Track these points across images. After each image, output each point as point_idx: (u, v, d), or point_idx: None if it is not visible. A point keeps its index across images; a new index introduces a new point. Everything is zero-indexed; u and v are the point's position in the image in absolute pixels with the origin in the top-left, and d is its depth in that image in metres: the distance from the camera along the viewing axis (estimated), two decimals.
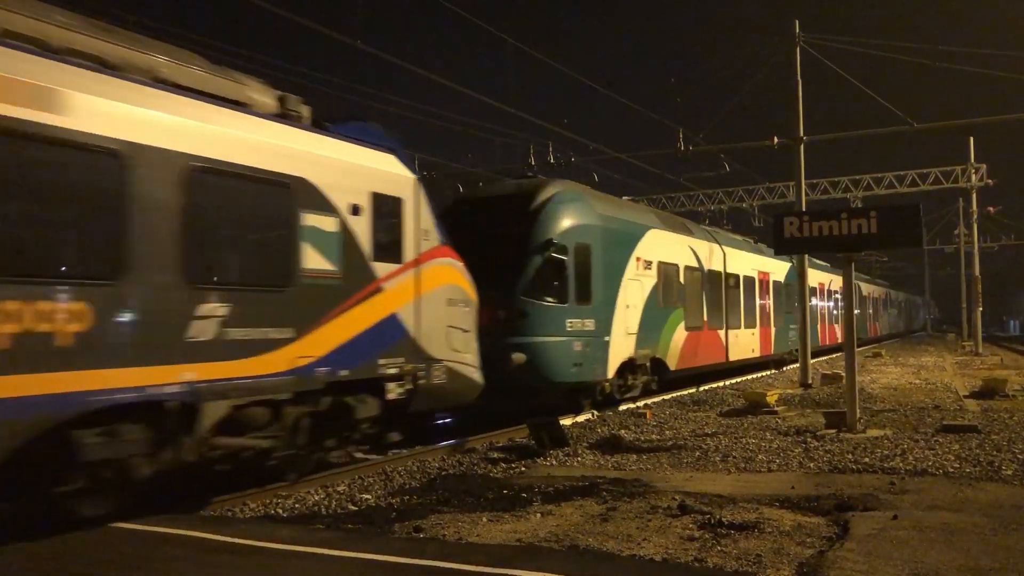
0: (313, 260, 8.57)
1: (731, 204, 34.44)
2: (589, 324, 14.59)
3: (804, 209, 20.07)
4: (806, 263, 21.63)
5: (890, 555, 5.62)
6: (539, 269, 13.77)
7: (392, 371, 9.55)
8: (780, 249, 12.79)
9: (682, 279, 19.17)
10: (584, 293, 14.55)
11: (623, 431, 12.36)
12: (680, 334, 18.65)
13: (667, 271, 18.33)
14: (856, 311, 35.70)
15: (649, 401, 16.61)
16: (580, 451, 10.73)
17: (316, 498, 8.29)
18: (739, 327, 23.22)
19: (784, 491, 7.87)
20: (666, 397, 17.57)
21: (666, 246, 18.49)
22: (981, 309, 38.86)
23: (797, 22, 20.99)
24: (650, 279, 17.33)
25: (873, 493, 7.67)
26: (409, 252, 9.96)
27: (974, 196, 36.32)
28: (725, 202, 34.34)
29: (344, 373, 8.88)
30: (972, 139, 31.37)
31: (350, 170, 9.19)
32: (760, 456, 9.99)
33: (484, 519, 7.04)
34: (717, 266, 21.78)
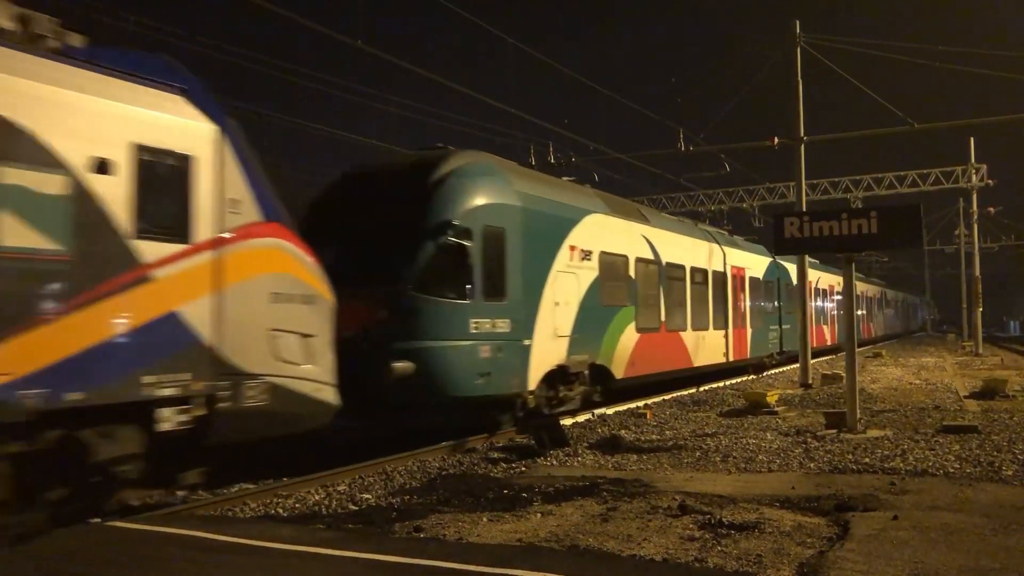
0: (16, 234, 6.14)
1: (731, 204, 34.50)
2: (502, 325, 12.05)
3: (804, 209, 20.06)
4: (806, 263, 21.63)
5: (890, 555, 5.61)
6: (434, 257, 11.20)
7: (168, 392, 7.07)
8: (781, 249, 12.79)
9: (633, 273, 16.62)
10: (495, 287, 12.03)
11: (623, 431, 12.36)
12: (630, 336, 16.16)
13: (613, 263, 15.77)
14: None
15: (650, 401, 16.60)
16: (580, 451, 10.73)
17: (316, 498, 8.29)
18: (707, 328, 20.64)
19: (784, 491, 7.87)
20: (666, 397, 17.55)
21: (612, 234, 15.93)
22: (981, 309, 38.85)
23: (797, 22, 21.02)
24: (589, 272, 14.80)
25: (873, 493, 7.67)
26: (204, 229, 7.44)
27: (974, 196, 36.32)
28: (725, 202, 34.39)
29: (75, 396, 6.46)
30: (972, 139, 31.41)
31: (96, 111, 6.78)
32: (760, 456, 9.99)
33: (484, 519, 7.04)
34: (679, 259, 19.22)
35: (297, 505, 8.04)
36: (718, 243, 22.74)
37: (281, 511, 7.81)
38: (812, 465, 9.35)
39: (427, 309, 11.11)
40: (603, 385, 15.29)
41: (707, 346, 20.63)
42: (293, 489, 8.68)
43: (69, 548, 6.19)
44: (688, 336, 19.44)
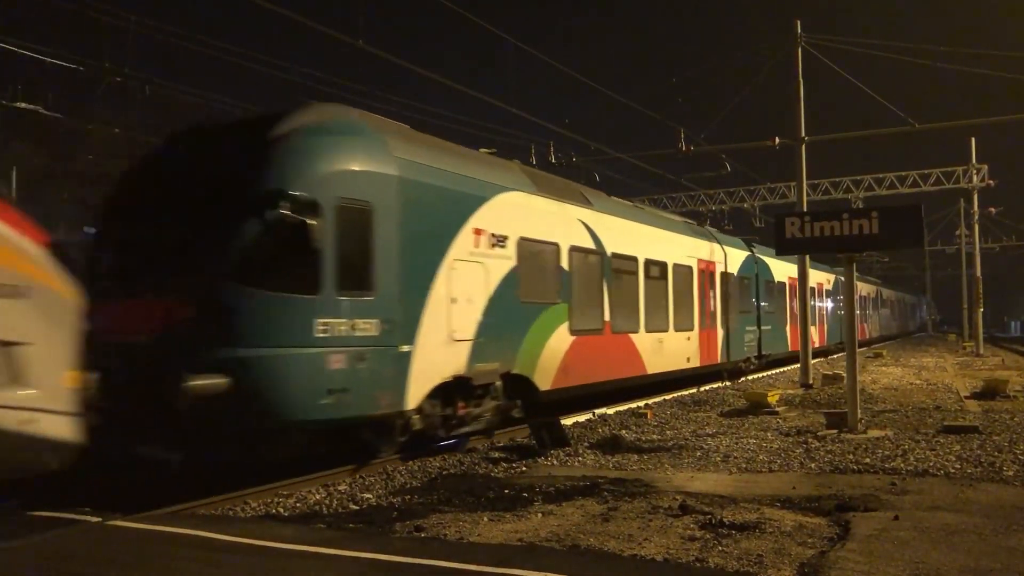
0: None
1: (732, 204, 34.54)
2: (366, 327, 9.39)
3: (805, 209, 20.06)
4: (807, 263, 21.58)
5: (891, 555, 5.62)
6: (263, 238, 8.55)
7: None
8: (782, 249, 12.78)
9: (566, 264, 13.90)
10: (357, 278, 9.42)
11: (624, 431, 12.37)
12: (560, 340, 13.54)
13: (537, 252, 13.10)
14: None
15: (650, 401, 16.59)
16: (581, 451, 10.73)
17: (317, 497, 8.30)
18: (667, 330, 17.96)
19: (785, 491, 7.87)
20: (667, 397, 17.54)
21: (536, 217, 13.20)
22: (982, 310, 38.86)
23: (798, 22, 21.03)
24: (503, 262, 12.08)
25: (874, 493, 7.67)
26: None
27: (975, 197, 36.35)
28: (726, 202, 34.44)
29: None
30: (973, 140, 31.44)
31: None
32: (761, 456, 9.99)
33: (485, 519, 7.04)
34: (630, 250, 16.45)
35: (298, 504, 8.04)
36: (682, 233, 20.05)
37: (282, 510, 7.81)
38: (813, 465, 9.35)
39: (249, 306, 8.49)
40: (525, 398, 12.68)
41: (667, 350, 17.96)
42: (294, 488, 8.68)
43: (69, 547, 6.20)
44: (641, 339, 16.72)
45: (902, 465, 9.15)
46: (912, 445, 10.46)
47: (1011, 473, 8.60)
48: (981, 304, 38.33)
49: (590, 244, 14.90)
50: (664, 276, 18.05)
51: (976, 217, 38.28)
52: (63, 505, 7.44)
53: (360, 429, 9.69)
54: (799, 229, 12.06)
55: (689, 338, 19.37)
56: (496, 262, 11.96)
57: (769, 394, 15.31)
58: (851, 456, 9.80)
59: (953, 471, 8.78)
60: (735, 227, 32.26)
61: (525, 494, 8.04)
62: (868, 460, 9.49)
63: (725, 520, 6.65)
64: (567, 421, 12.89)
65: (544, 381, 13.04)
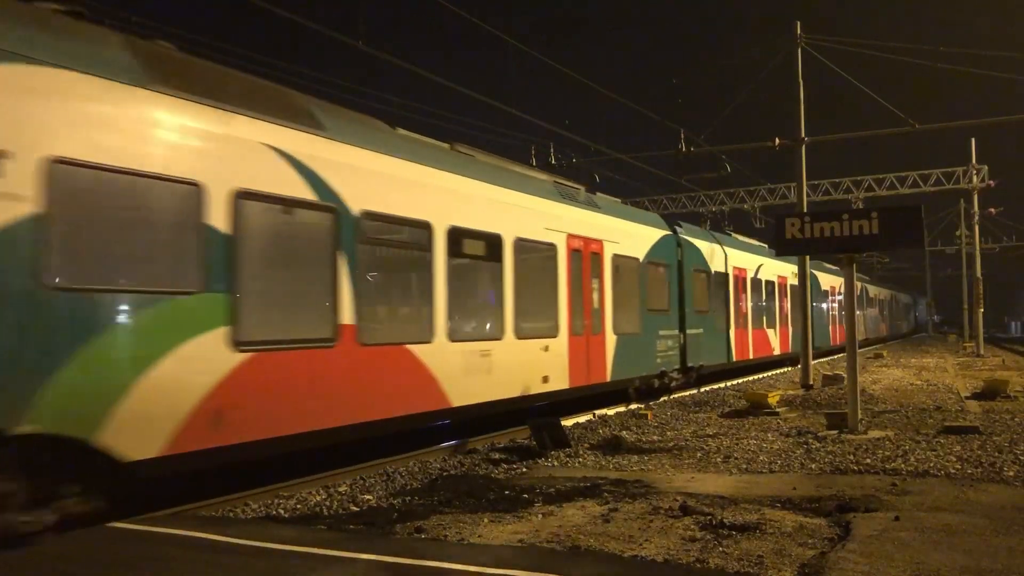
0: None
1: (732, 205, 34.55)
2: None
3: (805, 210, 20.05)
4: (807, 265, 21.54)
5: (892, 556, 5.61)
6: None
7: None
8: (782, 250, 12.79)
9: (224, 223, 8.00)
10: None
11: (624, 432, 12.37)
12: (196, 362, 7.66)
13: (122, 196, 7.22)
14: (837, 309, 34.56)
15: (651, 402, 16.57)
16: (581, 452, 10.73)
17: (318, 499, 8.30)
18: (499, 337, 12.29)
19: (786, 492, 7.87)
20: (667, 399, 17.53)
21: (123, 127, 7.19)
22: (983, 310, 38.86)
23: (798, 23, 21.04)
24: None
25: (875, 494, 7.67)
26: None
27: (975, 197, 36.36)
28: (727, 203, 34.43)
29: None
30: (973, 140, 31.47)
31: None
32: (762, 457, 9.99)
33: (486, 520, 7.04)
34: (412, 211, 10.61)
35: (298, 506, 8.04)
36: (540, 196, 14.01)
37: (282, 512, 7.81)
38: (813, 466, 9.35)
39: None
40: (95, 477, 6.99)
41: (499, 369, 12.22)
42: (294, 490, 8.68)
43: (69, 548, 6.20)
44: (440, 353, 10.99)
45: (903, 466, 9.15)
46: (913, 446, 10.46)
47: (1012, 474, 8.60)
48: (982, 304, 38.32)
49: (302, 192, 9.02)
50: (496, 256, 12.40)
51: (976, 218, 38.29)
52: (63, 505, 7.42)
53: None
54: (799, 230, 12.07)
55: (548, 348, 13.60)
56: None
57: (770, 395, 15.33)
58: (852, 457, 9.80)
59: (954, 472, 8.78)
60: (735, 228, 32.19)
61: (525, 495, 8.04)
62: (869, 461, 9.48)
63: (725, 521, 6.65)
64: (567, 422, 12.89)
65: (141, 443, 7.19)
